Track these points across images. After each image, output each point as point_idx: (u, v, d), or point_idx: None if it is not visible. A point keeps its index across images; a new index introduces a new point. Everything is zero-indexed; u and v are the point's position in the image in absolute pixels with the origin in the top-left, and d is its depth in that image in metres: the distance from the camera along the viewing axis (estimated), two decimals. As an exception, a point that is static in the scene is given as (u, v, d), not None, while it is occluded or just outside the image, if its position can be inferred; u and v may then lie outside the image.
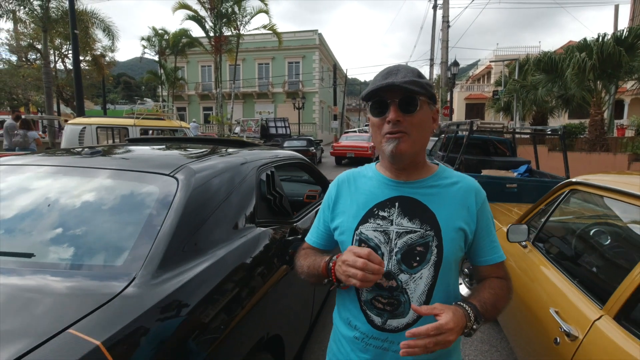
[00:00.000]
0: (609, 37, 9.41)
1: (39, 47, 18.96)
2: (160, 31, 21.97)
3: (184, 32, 17.36)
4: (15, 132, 6.26)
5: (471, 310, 0.82)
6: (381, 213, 0.91)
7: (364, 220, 0.92)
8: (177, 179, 1.38)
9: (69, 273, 1.04)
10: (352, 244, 0.92)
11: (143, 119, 6.81)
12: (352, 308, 0.94)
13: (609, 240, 1.67)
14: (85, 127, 6.02)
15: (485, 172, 5.77)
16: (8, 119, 6.94)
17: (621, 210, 1.61)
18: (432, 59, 29.63)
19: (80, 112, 9.07)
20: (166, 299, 0.99)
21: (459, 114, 34.02)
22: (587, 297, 1.33)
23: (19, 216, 1.25)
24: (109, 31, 15.51)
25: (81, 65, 18.63)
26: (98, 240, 1.17)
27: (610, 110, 14.98)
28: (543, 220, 1.96)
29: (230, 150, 2.08)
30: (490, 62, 31.65)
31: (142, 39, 21.92)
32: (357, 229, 0.92)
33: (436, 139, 8.45)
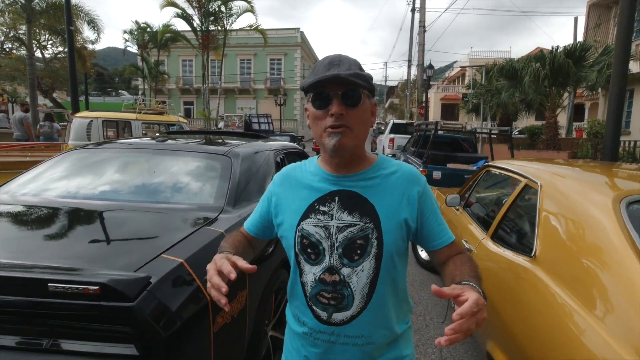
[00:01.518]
0: (561, 49, 10.66)
1: (15, 36, 18.71)
2: (142, 25, 22.04)
3: (172, 31, 17.66)
4: (41, 123, 6.74)
5: (478, 287, 0.77)
6: (322, 208, 0.91)
7: (305, 216, 0.92)
8: (230, 157, 2.16)
9: (185, 208, 1.81)
10: (294, 240, 0.92)
11: (145, 113, 7.40)
12: (300, 304, 0.95)
13: (496, 198, 2.59)
14: (92, 121, 6.56)
15: (450, 166, 6.75)
16: (18, 112, 7.37)
17: (504, 179, 2.51)
18: (409, 60, 30.88)
19: (75, 105, 9.45)
20: (241, 220, 1.78)
21: (435, 114, 35.52)
22: (481, 230, 2.22)
23: (141, 178, 2.01)
24: (94, 24, 15.66)
25: (65, 58, 18.55)
26: (194, 190, 1.94)
27: (569, 113, 16.53)
28: (470, 191, 2.87)
29: (250, 140, 2.87)
30: (461, 67, 33.24)
31: (125, 32, 21.94)
32: (298, 224, 0.92)
33: (409, 136, 9.42)
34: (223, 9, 15.75)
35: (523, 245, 1.67)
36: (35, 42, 21.25)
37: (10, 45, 21.48)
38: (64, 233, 1.54)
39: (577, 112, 19.85)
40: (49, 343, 1.13)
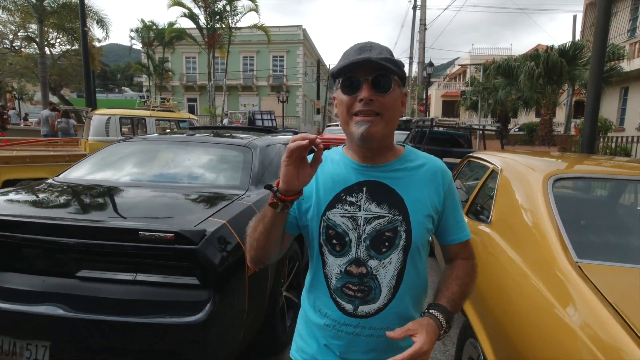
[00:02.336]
0: (555, 48, 11.05)
1: (23, 35, 19.17)
2: (148, 23, 22.47)
3: (179, 30, 18.10)
4: (59, 120, 7.24)
5: (442, 317, 0.83)
6: (349, 198, 0.89)
7: (331, 206, 0.90)
8: (250, 148, 2.62)
9: (214, 188, 2.27)
10: (319, 231, 0.91)
11: (158, 111, 7.88)
12: (322, 296, 0.93)
13: (472, 182, 3.05)
14: (110, 118, 7.03)
15: (445, 160, 7.18)
16: (46, 110, 7.92)
17: (480, 167, 2.96)
18: (411, 57, 31.14)
19: (89, 102, 9.93)
20: (262, 198, 2.24)
21: (436, 111, 35.84)
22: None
23: (183, 164, 2.48)
24: (102, 23, 16.09)
25: (73, 55, 19.00)
26: (224, 174, 2.41)
27: (567, 110, 16.90)
28: (454, 178, 3.33)
29: (263, 134, 3.33)
30: (460, 65, 33.47)
31: (131, 30, 22.40)
32: (324, 214, 0.90)
33: (407, 132, 9.86)
34: (228, 8, 16.18)
35: (485, 216, 2.13)
36: (45, 41, 21.73)
37: (19, 44, 21.97)
38: (141, 203, 2.02)
39: (580, 109, 20.15)
40: (135, 276, 1.60)
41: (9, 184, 4.44)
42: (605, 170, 1.84)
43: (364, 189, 0.90)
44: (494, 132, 8.68)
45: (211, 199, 2.06)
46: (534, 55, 11.12)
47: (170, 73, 26.49)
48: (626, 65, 12.53)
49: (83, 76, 23.65)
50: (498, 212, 1.92)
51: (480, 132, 8.26)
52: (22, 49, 21.01)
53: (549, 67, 10.57)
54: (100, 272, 1.62)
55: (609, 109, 15.05)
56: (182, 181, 2.29)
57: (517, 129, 19.25)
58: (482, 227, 2.03)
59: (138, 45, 24.46)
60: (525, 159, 2.22)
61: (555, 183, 1.71)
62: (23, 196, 2.11)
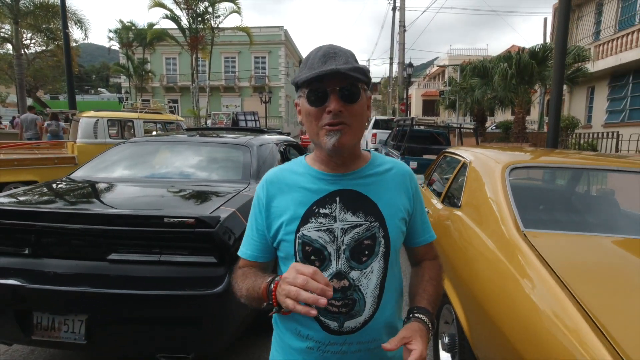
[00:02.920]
0: (527, 50, 11.71)
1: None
2: (127, 24, 22.20)
3: (161, 31, 18.02)
4: (48, 122, 7.25)
5: (428, 320, 0.84)
6: (322, 210, 0.85)
7: (304, 221, 0.85)
8: (248, 147, 2.90)
9: (219, 183, 2.54)
10: (294, 249, 0.85)
11: (145, 112, 7.99)
12: (302, 318, 0.86)
13: (447, 174, 3.42)
14: (98, 120, 7.11)
15: (425, 156, 7.63)
16: (30, 114, 7.89)
17: (454, 161, 3.33)
18: (391, 58, 31.76)
19: (72, 105, 9.89)
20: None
21: (416, 110, 36.75)
22: (437, 199, 3.02)
23: (189, 162, 2.74)
24: (81, 24, 15.87)
25: (48, 57, 18.57)
26: (226, 170, 2.67)
27: (540, 109, 17.76)
28: (432, 172, 3.69)
29: (257, 134, 3.60)
30: (438, 66, 34.38)
31: (110, 31, 22.08)
32: (297, 231, 0.85)
33: (390, 131, 10.28)
34: (210, 10, 16.27)
35: (457, 201, 2.48)
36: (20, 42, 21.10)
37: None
38: (158, 195, 2.27)
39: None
40: (160, 257, 1.86)
41: None
42: (551, 160, 2.22)
43: (337, 198, 0.86)
44: (471, 130, 9.19)
45: (219, 192, 2.33)
46: (507, 56, 11.77)
47: (150, 74, 26.19)
48: (591, 67, 13.37)
49: (59, 78, 23.04)
50: (466, 197, 2.26)
51: (458, 130, 8.73)
52: (-5, 50, 20.37)
53: (521, 68, 11.22)
54: (129, 255, 1.87)
55: (577, 108, 15.96)
56: (191, 177, 2.56)
57: (494, 127, 20.10)
58: (455, 211, 2.37)
59: (116, 46, 24.09)
60: (491, 153, 2.59)
61: (511, 172, 2.07)
62: (49, 192, 2.32)
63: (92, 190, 2.37)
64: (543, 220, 1.87)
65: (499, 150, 2.81)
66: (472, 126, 7.54)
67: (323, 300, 0.66)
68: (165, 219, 1.78)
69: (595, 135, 10.65)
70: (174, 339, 1.84)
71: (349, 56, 0.82)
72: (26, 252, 1.89)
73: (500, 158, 2.33)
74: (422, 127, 9.30)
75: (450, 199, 2.73)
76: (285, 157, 3.40)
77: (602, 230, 1.84)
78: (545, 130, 17.57)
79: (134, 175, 2.60)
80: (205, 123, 16.99)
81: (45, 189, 2.35)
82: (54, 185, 2.45)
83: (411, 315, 0.86)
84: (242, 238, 1.06)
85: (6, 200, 2.10)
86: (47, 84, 21.26)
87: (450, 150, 3.32)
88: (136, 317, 1.83)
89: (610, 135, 9.65)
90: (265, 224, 0.91)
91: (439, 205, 2.80)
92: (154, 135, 5.01)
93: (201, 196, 2.28)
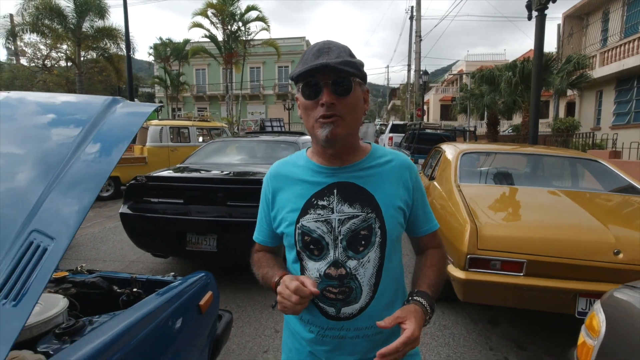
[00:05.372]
0: (531, 60, 12.72)
1: (59, 55, 21.13)
2: (166, 40, 24.53)
3: (200, 47, 20.05)
4: None
5: (427, 303, 0.86)
6: (320, 202, 0.90)
7: (303, 212, 0.91)
8: (297, 142, 4.35)
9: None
10: (294, 238, 0.92)
11: (198, 121, 9.68)
12: None
13: (436, 162, 4.77)
14: (162, 127, 8.81)
15: (432, 156, 8.92)
16: None
17: (440, 152, 4.66)
18: (409, 65, 32.88)
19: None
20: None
21: (434, 114, 37.59)
22: (426, 178, 4.36)
23: (258, 153, 4.24)
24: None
25: (97, 72, 20.87)
26: (281, 157, 4.14)
27: (555, 112, 18.53)
28: (427, 162, 5.03)
29: (299, 135, 5.07)
30: (451, 74, 35.14)
31: (150, 47, 24.49)
32: (297, 222, 0.91)
33: (404, 134, 11.59)
34: (243, 28, 18.16)
35: (434, 175, 3.83)
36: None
37: (49, 63, 23.96)
38: (248, 169, 3.76)
39: (570, 109, 21.65)
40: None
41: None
42: (485, 148, 3.55)
43: (335, 190, 0.90)
44: (471, 132, 10.40)
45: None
46: (512, 65, 12.81)
47: (185, 86, 28.51)
48: (597, 72, 14.18)
49: (108, 91, 25.34)
50: (438, 172, 3.62)
51: (460, 132, 9.97)
52: (54, 68, 22.97)
53: (524, 76, 12.22)
54: (239, 202, 3.32)
55: (587, 110, 16.70)
56: (264, 160, 4.07)
57: (510, 130, 20.93)
58: (432, 182, 3.72)
59: (156, 61, 26.41)
60: (459, 145, 3.92)
61: (463, 155, 3.42)
62: (185, 170, 3.84)
63: (208, 167, 3.87)
64: (471, 178, 3.21)
65: (467, 143, 4.14)
66: (470, 129, 8.79)
67: (297, 311, 0.81)
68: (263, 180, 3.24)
69: (587, 135, 11.51)
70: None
71: (342, 51, 0.84)
72: (182, 200, 3.38)
73: (460, 147, 3.67)
74: (431, 131, 10.56)
75: (431, 175, 4.08)
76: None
77: (503, 183, 3.18)
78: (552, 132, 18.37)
79: (228, 160, 4.11)
80: (238, 129, 18.81)
81: (182, 168, 3.87)
82: (183, 166, 3.98)
83: (410, 298, 0.89)
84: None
85: (168, 174, 3.62)
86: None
87: (437, 145, 4.66)
88: (243, 235, 3.27)
89: (606, 136, 10.56)
90: (270, 215, 0.98)
91: (426, 181, 4.16)
92: (231, 138, 6.63)
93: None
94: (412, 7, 27.49)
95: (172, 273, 1.77)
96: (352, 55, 0.87)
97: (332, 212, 0.90)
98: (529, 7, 6.37)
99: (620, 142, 10.41)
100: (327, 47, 0.85)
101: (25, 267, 0.94)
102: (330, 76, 0.82)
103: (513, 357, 2.44)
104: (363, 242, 0.89)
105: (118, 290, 1.65)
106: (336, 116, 0.84)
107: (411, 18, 29.27)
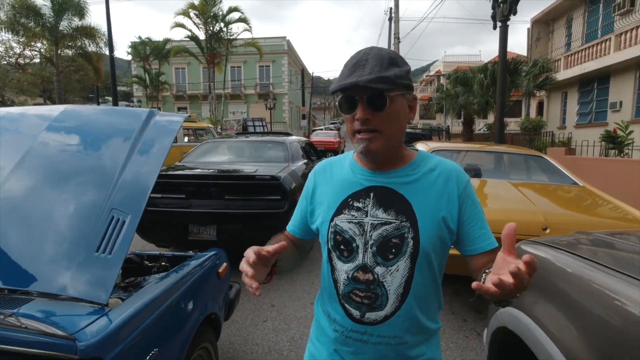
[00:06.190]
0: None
1: (33, 54, 20.65)
2: (145, 39, 24.31)
3: (182, 48, 20.06)
4: None
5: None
6: (356, 204, 0.90)
7: (338, 212, 0.91)
8: (285, 143, 4.78)
9: (272, 162, 4.42)
10: (327, 236, 0.93)
11: (185, 121, 9.93)
12: (332, 301, 0.95)
13: None
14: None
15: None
16: None
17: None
18: (388, 65, 33.55)
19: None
20: (298, 167, 4.38)
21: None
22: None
23: (250, 152, 4.65)
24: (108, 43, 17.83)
25: (74, 71, 20.52)
26: (274, 156, 4.56)
27: (526, 112, 19.58)
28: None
29: (285, 135, 5.49)
30: (427, 76, 36.27)
31: (129, 46, 24.17)
32: (332, 220, 0.92)
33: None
34: (225, 29, 18.32)
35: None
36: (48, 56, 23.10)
37: (22, 61, 23.32)
38: (244, 167, 4.15)
39: (541, 109, 22.87)
40: (251, 196, 3.71)
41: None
42: (456, 147, 4.07)
43: (371, 194, 0.90)
44: (445, 132, 11.08)
45: (275, 166, 4.19)
46: (484, 68, 13.62)
47: (165, 85, 28.27)
48: (563, 74, 15.19)
49: (86, 89, 24.67)
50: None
51: (436, 131, 10.62)
52: (28, 66, 22.39)
53: (495, 78, 13.03)
54: (235, 195, 3.72)
55: (554, 110, 17.80)
56: (257, 158, 4.49)
57: (486, 129, 21.99)
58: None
59: (135, 60, 26.12)
60: (430, 143, 4.44)
61: (431, 152, 3.93)
62: (184, 168, 4.20)
63: (204, 165, 4.25)
64: None
65: (439, 142, 4.67)
66: (444, 129, 9.48)
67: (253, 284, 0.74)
68: (256, 176, 3.64)
69: (548, 134, 12.44)
70: (259, 237, 3.72)
71: (377, 64, 0.81)
72: (184, 195, 3.75)
73: (430, 145, 4.19)
74: (410, 130, 11.18)
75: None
76: (304, 151, 5.25)
77: (472, 177, 3.70)
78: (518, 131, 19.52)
79: (222, 159, 4.50)
80: (221, 129, 18.98)
81: (181, 167, 4.23)
82: (181, 165, 4.33)
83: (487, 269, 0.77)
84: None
85: (171, 172, 3.97)
86: (74, 96, 23.24)
87: (412, 144, 5.18)
88: (240, 225, 3.68)
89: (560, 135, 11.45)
90: (308, 209, 1.01)
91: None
92: (221, 138, 6.96)
93: (268, 167, 4.14)
94: (391, 8, 28.26)
95: (191, 251, 2.18)
96: (392, 64, 0.83)
97: (366, 216, 0.89)
98: (493, 18, 7.00)
99: (582, 140, 11.33)
100: (363, 60, 0.82)
101: (112, 233, 1.35)
102: (364, 92, 0.81)
103: (471, 319, 2.97)
104: (394, 251, 0.87)
105: (149, 264, 2.04)
106: (373, 131, 0.84)
107: (390, 19, 30.03)
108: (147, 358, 1.26)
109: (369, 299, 0.88)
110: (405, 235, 0.86)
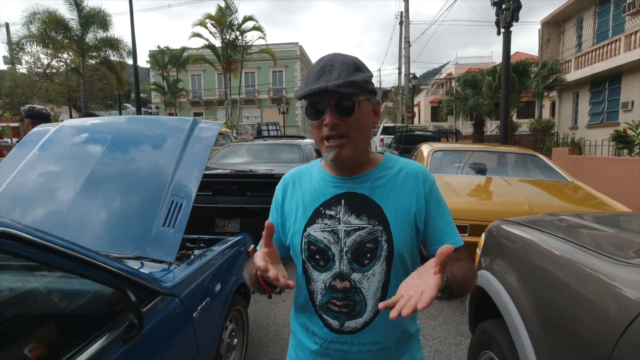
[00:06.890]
0: (512, 64, 13.75)
1: (59, 65, 21.76)
2: (163, 48, 25.31)
3: (200, 56, 20.90)
4: None
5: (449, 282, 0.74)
6: (328, 212, 0.90)
7: (311, 221, 0.91)
8: (300, 145, 5.24)
9: (289, 162, 4.87)
10: (300, 247, 0.91)
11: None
12: (309, 314, 0.94)
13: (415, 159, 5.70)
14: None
15: (419, 156, 9.87)
16: None
17: (418, 151, 5.54)
18: (399, 68, 33.93)
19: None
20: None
21: (425, 116, 38.73)
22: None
23: (269, 155, 5.14)
24: (131, 53, 18.73)
25: (97, 80, 21.52)
26: (291, 156, 5.03)
27: (539, 113, 19.62)
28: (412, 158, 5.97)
29: (300, 138, 5.95)
30: (437, 79, 36.29)
31: (148, 55, 25.22)
32: (304, 230, 0.91)
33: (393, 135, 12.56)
34: (240, 37, 19.05)
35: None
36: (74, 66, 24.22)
37: (49, 72, 24.54)
38: (263, 167, 4.62)
39: (554, 109, 22.75)
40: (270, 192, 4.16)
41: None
42: (457, 147, 4.44)
43: (342, 201, 0.90)
44: (453, 134, 11.36)
45: (292, 166, 4.64)
46: (492, 71, 13.81)
47: (183, 92, 29.26)
48: (574, 75, 15.24)
49: (108, 97, 25.75)
50: (415, 166, 4.53)
51: (444, 133, 10.92)
52: (55, 76, 23.55)
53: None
54: (256, 192, 4.16)
55: (566, 111, 17.79)
56: (276, 159, 4.95)
57: (497, 130, 22.06)
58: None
59: (154, 68, 27.14)
60: (433, 144, 4.82)
61: (434, 152, 4.31)
62: (209, 170, 4.69)
63: (228, 166, 4.74)
64: (439, 170, 4.11)
65: (441, 143, 5.04)
66: (453, 131, 9.79)
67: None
68: (275, 175, 4.09)
69: (554, 135, 12.51)
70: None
71: (344, 69, 0.81)
72: (211, 192, 4.22)
73: (433, 146, 4.57)
74: (419, 132, 11.51)
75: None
76: (317, 152, 5.68)
77: (462, 173, 4.07)
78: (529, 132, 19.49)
79: (244, 160, 5.00)
80: (237, 133, 19.67)
81: (207, 167, 4.72)
82: (207, 165, 4.83)
83: None
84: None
85: None
86: (97, 103, 24.33)
87: (417, 145, 5.56)
88: (260, 219, 4.11)
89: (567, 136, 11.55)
90: (279, 221, 0.98)
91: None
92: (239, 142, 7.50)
93: (284, 167, 4.60)
94: (402, 12, 28.58)
95: (224, 236, 2.63)
96: (357, 69, 0.84)
97: (339, 223, 0.89)
98: (497, 24, 7.31)
99: (594, 140, 11.41)
100: (329, 66, 0.82)
101: (174, 213, 1.81)
102: (332, 97, 0.81)
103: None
104: (368, 255, 0.87)
105: (190, 245, 2.50)
106: (342, 137, 0.83)
107: (401, 23, 30.33)
108: (203, 303, 1.71)
109: (347, 307, 0.89)
110: (379, 238, 0.87)
